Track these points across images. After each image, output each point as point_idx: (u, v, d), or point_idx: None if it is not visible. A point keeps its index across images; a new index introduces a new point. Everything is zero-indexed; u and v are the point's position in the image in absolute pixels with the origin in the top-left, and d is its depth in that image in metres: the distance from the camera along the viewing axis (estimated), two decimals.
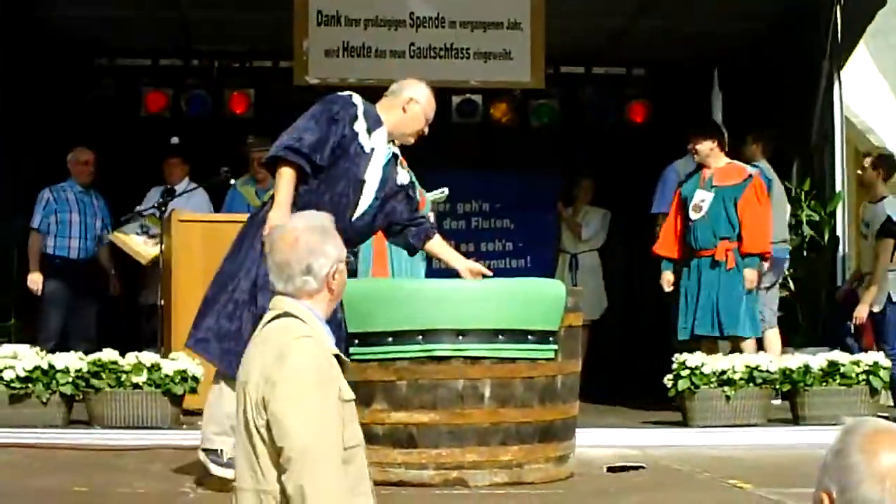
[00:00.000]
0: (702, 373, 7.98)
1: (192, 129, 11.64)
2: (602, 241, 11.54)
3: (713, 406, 8.01)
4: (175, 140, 10.65)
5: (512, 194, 11.53)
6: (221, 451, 5.80)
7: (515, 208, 11.57)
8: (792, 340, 9.67)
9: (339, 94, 6.24)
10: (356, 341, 6.01)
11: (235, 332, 5.79)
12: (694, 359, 7.99)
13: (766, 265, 9.04)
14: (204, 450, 5.90)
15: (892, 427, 2.09)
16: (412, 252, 6.64)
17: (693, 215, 8.88)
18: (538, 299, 6.20)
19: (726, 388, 8.00)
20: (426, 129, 6.36)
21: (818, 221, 10.22)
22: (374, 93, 11.27)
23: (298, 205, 5.87)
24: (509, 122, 12.43)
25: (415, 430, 6.00)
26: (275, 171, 6.01)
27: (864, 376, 8.13)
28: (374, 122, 6.13)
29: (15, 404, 7.51)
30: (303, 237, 3.42)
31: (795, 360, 8.24)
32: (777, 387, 8.20)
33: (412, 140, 6.35)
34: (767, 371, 8.08)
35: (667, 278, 9.03)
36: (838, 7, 10.38)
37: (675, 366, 8.00)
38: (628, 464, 6.71)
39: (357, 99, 6.17)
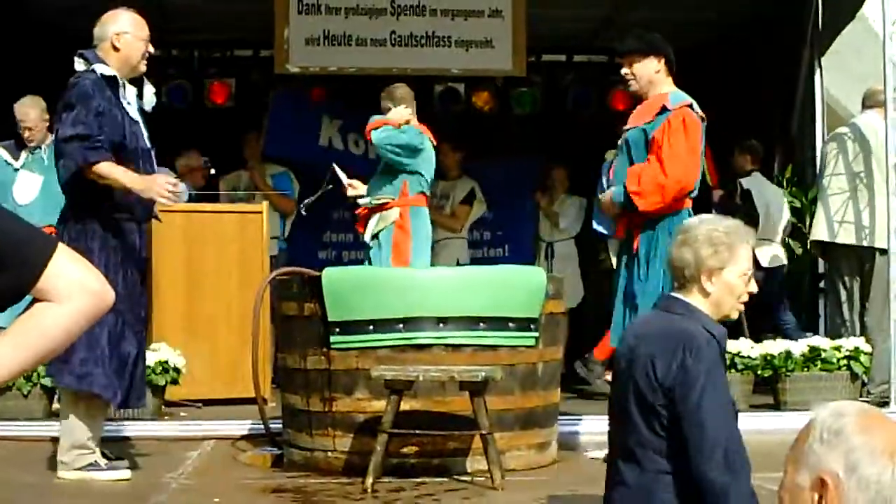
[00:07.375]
0: None
1: (172, 119, 11.59)
2: (578, 229, 11.42)
3: None
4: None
5: (492, 183, 11.51)
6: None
7: (496, 197, 11.53)
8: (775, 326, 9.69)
9: (80, 80, 5.98)
10: (337, 330, 6.01)
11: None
12: None
13: None
14: None
15: (871, 408, 2.15)
16: None
17: None
18: (519, 286, 6.20)
19: None
20: (150, 47, 6.28)
21: (799, 208, 10.22)
22: (355, 81, 11.19)
23: (115, 198, 5.88)
24: (491, 110, 12.40)
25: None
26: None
27: (845, 362, 8.15)
28: (112, 83, 6.01)
29: None
30: None
31: (777, 345, 8.25)
32: (758, 372, 8.21)
33: (144, 67, 6.25)
34: (749, 357, 8.10)
35: None
36: None
37: None
38: None
39: (97, 71, 5.99)
